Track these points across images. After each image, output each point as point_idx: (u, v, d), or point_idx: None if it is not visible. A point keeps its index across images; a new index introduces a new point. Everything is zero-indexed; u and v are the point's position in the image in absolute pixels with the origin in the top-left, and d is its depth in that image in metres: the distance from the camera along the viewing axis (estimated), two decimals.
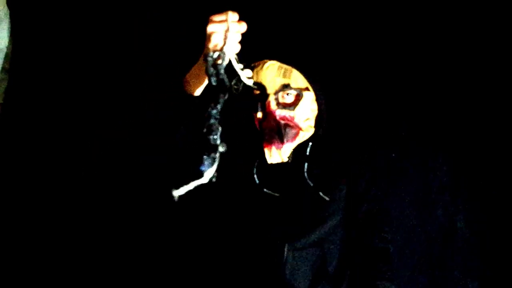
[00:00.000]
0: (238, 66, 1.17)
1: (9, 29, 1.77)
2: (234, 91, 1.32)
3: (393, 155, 1.80)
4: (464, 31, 1.79)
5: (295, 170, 1.38)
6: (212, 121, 1.06)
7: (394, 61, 1.83)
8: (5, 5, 1.75)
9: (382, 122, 1.83)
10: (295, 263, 1.33)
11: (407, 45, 1.83)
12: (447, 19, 1.80)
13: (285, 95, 1.38)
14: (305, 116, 1.40)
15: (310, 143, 1.41)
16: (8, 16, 1.76)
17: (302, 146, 1.40)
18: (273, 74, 1.38)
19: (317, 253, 1.35)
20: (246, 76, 1.20)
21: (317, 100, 1.43)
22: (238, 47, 1.13)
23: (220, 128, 1.05)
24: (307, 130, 1.41)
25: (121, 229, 1.75)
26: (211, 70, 1.07)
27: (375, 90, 1.83)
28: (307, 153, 1.40)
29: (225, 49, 1.09)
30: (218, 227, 1.42)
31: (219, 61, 1.08)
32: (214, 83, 1.08)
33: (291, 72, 1.40)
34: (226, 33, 1.10)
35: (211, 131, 1.05)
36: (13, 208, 1.71)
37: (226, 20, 1.11)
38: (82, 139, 1.76)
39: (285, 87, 1.38)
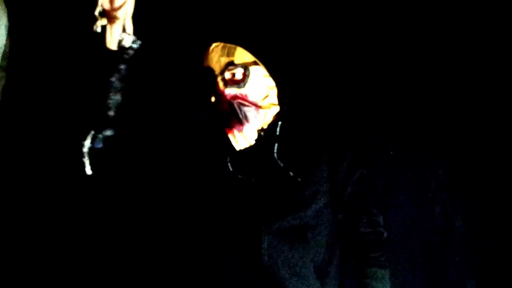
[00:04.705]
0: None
1: (7, 27, 1.77)
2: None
3: (391, 152, 1.79)
4: (461, 32, 1.78)
5: (267, 151, 1.35)
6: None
7: (394, 57, 1.82)
8: (2, 2, 1.76)
9: (377, 114, 1.82)
10: (273, 247, 1.28)
11: (410, 40, 1.81)
12: (441, 21, 1.79)
13: (231, 73, 1.35)
14: (261, 93, 1.36)
15: (280, 123, 1.37)
16: (6, 13, 1.76)
17: (272, 126, 1.37)
18: (218, 55, 1.35)
19: (299, 239, 1.31)
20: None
21: (272, 75, 1.39)
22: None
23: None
24: (268, 107, 1.37)
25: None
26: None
27: (372, 85, 1.83)
28: (277, 133, 1.36)
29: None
30: (195, 219, 1.37)
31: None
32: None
33: (235, 49, 1.36)
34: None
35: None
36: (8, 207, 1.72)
37: None
38: (79, 137, 1.76)
39: (229, 64, 1.34)
